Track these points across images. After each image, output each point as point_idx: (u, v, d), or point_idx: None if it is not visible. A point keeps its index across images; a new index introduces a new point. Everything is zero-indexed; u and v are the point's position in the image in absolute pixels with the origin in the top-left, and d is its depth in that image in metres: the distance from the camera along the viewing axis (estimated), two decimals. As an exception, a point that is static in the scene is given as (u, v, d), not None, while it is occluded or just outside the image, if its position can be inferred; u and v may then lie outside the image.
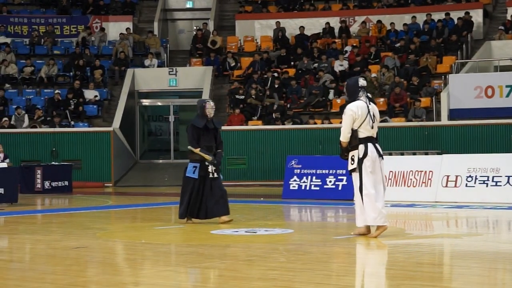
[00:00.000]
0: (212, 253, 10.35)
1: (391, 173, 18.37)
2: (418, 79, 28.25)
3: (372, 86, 27.88)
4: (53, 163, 26.10)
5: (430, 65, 29.30)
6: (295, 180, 19.82)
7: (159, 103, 33.33)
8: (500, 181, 17.12)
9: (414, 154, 23.08)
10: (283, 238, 11.70)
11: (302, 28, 33.04)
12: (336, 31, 33.17)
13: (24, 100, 30.41)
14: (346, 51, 31.37)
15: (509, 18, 31.52)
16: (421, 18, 32.36)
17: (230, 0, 36.94)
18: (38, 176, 24.23)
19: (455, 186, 17.60)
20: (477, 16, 32.00)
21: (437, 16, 32.25)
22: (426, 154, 23.05)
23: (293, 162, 20.03)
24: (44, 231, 13.15)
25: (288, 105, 28.59)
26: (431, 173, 17.98)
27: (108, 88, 31.42)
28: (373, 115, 11.11)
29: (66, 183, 24.81)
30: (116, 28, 34.68)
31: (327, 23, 33.32)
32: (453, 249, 10.58)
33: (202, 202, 13.20)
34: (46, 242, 11.51)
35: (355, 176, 11.04)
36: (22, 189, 22.59)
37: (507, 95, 25.57)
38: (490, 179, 17.24)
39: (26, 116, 28.70)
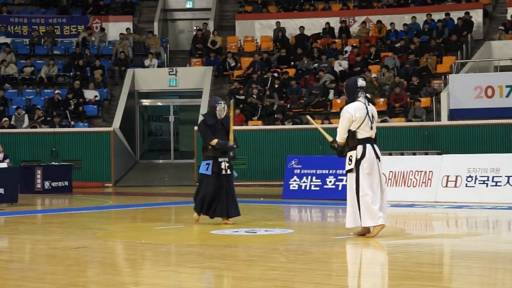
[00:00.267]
0: (212, 253, 10.35)
1: (391, 173, 18.38)
2: (418, 79, 28.26)
3: (372, 86, 27.89)
4: (53, 163, 26.10)
5: (430, 65, 29.31)
6: (295, 180, 19.83)
7: (159, 103, 33.34)
8: (500, 181, 17.12)
9: (414, 154, 23.09)
10: (283, 238, 11.70)
11: (302, 28, 33.05)
12: (336, 31, 33.17)
13: (24, 100, 30.41)
14: (346, 51, 31.38)
15: (509, 18, 31.52)
16: (421, 18, 32.36)
17: (230, 0, 36.94)
18: (38, 176, 24.24)
19: (455, 186, 17.61)
20: (477, 16, 32.01)
21: (437, 16, 32.25)
22: (426, 154, 23.06)
23: (293, 162, 20.04)
24: (44, 231, 13.15)
25: (288, 105, 28.60)
26: (431, 173, 17.99)
27: (108, 88, 31.42)
28: (372, 116, 11.07)
29: (66, 183, 24.81)
30: (116, 28, 34.68)
31: (327, 23, 33.32)
32: (453, 249, 10.58)
33: (220, 200, 13.05)
34: (46, 242, 11.51)
35: (351, 177, 11.02)
36: (22, 189, 22.59)
37: (507, 95, 25.57)
38: (490, 179, 17.25)
39: (26, 116, 28.70)
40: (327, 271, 8.66)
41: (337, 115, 26.59)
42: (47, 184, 24.31)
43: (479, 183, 17.35)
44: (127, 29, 34.11)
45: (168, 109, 32.85)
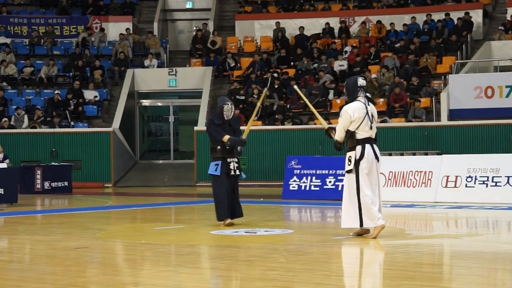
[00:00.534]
0: (212, 253, 10.35)
1: (391, 173, 18.38)
2: (418, 80, 28.26)
3: (372, 87, 27.88)
4: (53, 163, 26.11)
5: (430, 65, 29.31)
6: (295, 181, 19.83)
7: (159, 104, 33.34)
8: (500, 182, 17.12)
9: (414, 154, 23.09)
10: (283, 238, 11.69)
11: (302, 28, 33.05)
12: (336, 31, 33.18)
13: (24, 101, 30.41)
14: (346, 52, 31.38)
15: (509, 18, 31.53)
16: (421, 18, 32.36)
17: (230, 1, 36.95)
18: (38, 176, 24.23)
19: (455, 186, 17.61)
20: (477, 16, 32.01)
21: (437, 16, 32.26)
22: (426, 154, 23.07)
23: (293, 162, 20.04)
24: (44, 232, 13.15)
25: (288, 106, 28.60)
26: (431, 173, 17.99)
27: (108, 89, 31.42)
28: (372, 116, 11.05)
29: (66, 183, 24.81)
30: (116, 29, 34.69)
31: (327, 23, 33.33)
32: (452, 250, 10.58)
33: (233, 201, 13.01)
34: (46, 242, 11.51)
35: (350, 177, 11.01)
36: (22, 190, 22.57)
37: (507, 95, 25.57)
38: (490, 179, 17.24)
39: (26, 116, 28.71)
40: (326, 272, 8.66)
41: (337, 115, 26.61)
42: (46, 184, 24.31)
43: (479, 183, 17.35)
44: (127, 29, 34.12)
45: (168, 110, 32.85)
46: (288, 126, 27.15)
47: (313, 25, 33.79)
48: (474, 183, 17.40)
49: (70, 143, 27.80)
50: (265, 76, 29.93)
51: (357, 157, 10.91)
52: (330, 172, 19.29)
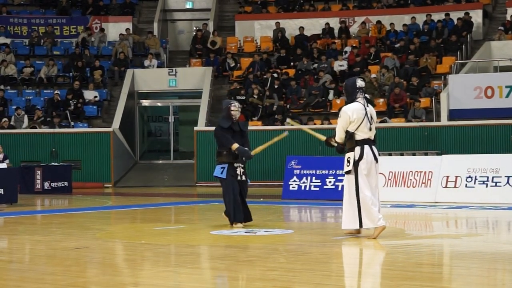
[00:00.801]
0: (212, 253, 10.35)
1: (390, 173, 18.38)
2: (417, 80, 28.26)
3: (371, 87, 27.90)
4: (52, 163, 26.11)
5: (429, 65, 29.31)
6: (294, 181, 19.83)
7: (159, 104, 33.34)
8: (500, 182, 17.12)
9: (414, 154, 23.09)
10: (282, 238, 11.69)
11: (301, 28, 33.06)
12: (336, 31, 33.18)
13: (23, 101, 30.42)
14: (346, 52, 31.39)
15: (508, 18, 31.53)
16: (420, 18, 32.37)
17: (230, 1, 36.95)
18: (38, 176, 24.24)
19: (455, 186, 17.61)
20: (476, 16, 32.01)
21: (437, 16, 32.26)
22: (426, 154, 23.07)
23: (293, 162, 20.04)
24: (43, 232, 13.15)
25: (288, 106, 28.60)
26: (430, 173, 17.99)
27: (107, 89, 31.43)
28: (371, 117, 11.05)
29: (66, 183, 24.82)
30: (115, 29, 34.69)
31: (327, 23, 33.33)
32: (452, 250, 10.58)
33: (243, 205, 12.87)
34: (45, 242, 11.51)
35: (349, 178, 11.01)
36: (21, 190, 22.58)
37: (507, 96, 25.58)
38: (490, 179, 17.25)
39: (25, 116, 28.72)
40: (326, 272, 8.66)
41: (336, 115, 26.62)
42: (46, 184, 24.31)
43: (479, 184, 17.35)
44: (127, 29, 34.12)
45: (168, 110, 32.85)
46: (287, 126, 27.12)
47: (313, 25, 33.79)
48: (474, 183, 17.40)
49: (70, 143, 27.81)
50: (265, 76, 29.94)
51: (356, 158, 10.92)
52: (330, 172, 19.29)
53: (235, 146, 12.65)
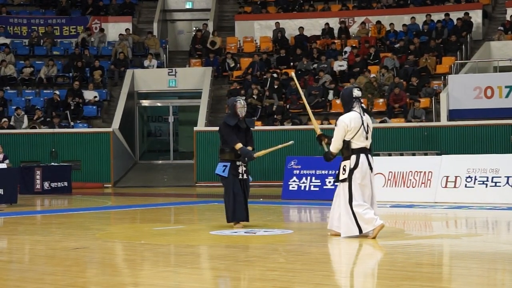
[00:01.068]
0: (211, 253, 10.35)
1: (390, 173, 18.38)
2: (417, 80, 28.26)
3: (371, 87, 27.90)
4: (52, 163, 26.11)
5: (429, 65, 29.32)
6: (294, 181, 19.83)
7: (159, 104, 33.34)
8: (500, 182, 17.13)
9: (414, 154, 23.09)
10: (282, 238, 11.69)
11: (301, 28, 33.06)
12: (336, 31, 33.19)
13: (23, 101, 30.42)
14: (346, 52, 31.39)
15: (508, 18, 31.54)
16: (420, 18, 32.37)
17: (230, 1, 36.95)
18: (38, 176, 24.23)
19: (455, 186, 17.61)
20: (476, 16, 32.02)
21: (437, 16, 32.26)
22: (426, 154, 23.07)
23: (293, 162, 20.04)
24: (43, 232, 13.14)
25: (288, 106, 28.60)
26: (430, 173, 17.99)
27: (107, 89, 31.43)
28: (367, 126, 11.09)
29: (66, 183, 24.81)
30: (115, 29, 34.69)
31: (327, 23, 33.33)
32: (452, 250, 10.58)
33: (246, 204, 12.79)
34: (45, 242, 11.51)
35: (343, 186, 11.04)
36: (21, 190, 22.59)
37: (507, 96, 25.58)
38: (490, 179, 17.25)
39: (25, 116, 28.72)
40: (326, 272, 8.67)
41: (336, 115, 26.63)
42: (46, 184, 24.31)
43: (479, 184, 17.35)
44: (127, 29, 34.12)
45: (168, 110, 32.86)
46: (287, 127, 27.15)
47: (313, 25, 33.80)
48: (474, 183, 17.41)
49: (70, 143, 27.81)
50: (264, 77, 29.95)
51: (351, 166, 10.96)
52: (330, 172, 19.28)
53: (239, 146, 12.58)
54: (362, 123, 11.02)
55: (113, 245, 11.46)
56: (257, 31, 34.36)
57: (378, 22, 32.85)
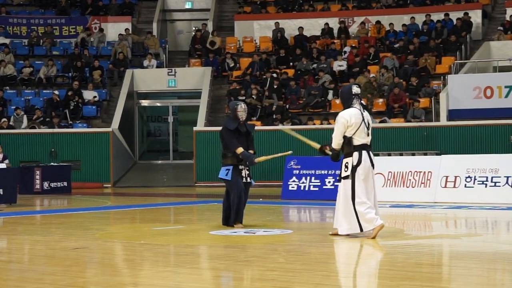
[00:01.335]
0: (211, 253, 10.35)
1: (390, 173, 18.38)
2: (417, 80, 28.27)
3: (371, 87, 27.90)
4: (52, 163, 26.10)
5: (429, 65, 29.32)
6: (294, 181, 19.83)
7: (158, 104, 33.34)
8: (499, 182, 17.13)
9: (413, 154, 23.09)
10: (282, 238, 11.69)
11: (301, 28, 33.06)
12: (335, 31, 33.19)
13: (23, 101, 30.42)
14: (345, 52, 31.39)
15: (508, 18, 31.54)
16: (420, 18, 32.38)
17: (229, 1, 36.95)
18: (37, 176, 24.23)
19: (454, 186, 17.61)
20: (476, 16, 32.02)
21: (436, 16, 32.27)
22: (425, 154, 23.07)
23: (292, 162, 20.04)
24: (43, 232, 13.14)
25: (287, 106, 28.60)
26: (430, 173, 17.99)
27: (107, 89, 31.42)
28: (367, 123, 11.08)
29: (65, 183, 24.81)
30: (115, 29, 34.69)
31: (326, 23, 33.33)
32: (452, 250, 10.58)
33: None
34: (45, 242, 11.50)
35: (345, 183, 11.02)
36: (21, 190, 22.59)
37: (506, 96, 25.58)
38: (489, 179, 17.25)
39: (25, 116, 28.72)
40: (326, 272, 8.67)
41: (336, 115, 26.61)
42: (46, 184, 24.31)
43: (478, 184, 17.35)
44: (126, 29, 34.11)
45: (167, 110, 32.86)
46: (287, 126, 27.13)
47: (312, 25, 33.80)
48: (473, 183, 17.41)
49: (69, 143, 27.81)
50: (264, 77, 29.95)
51: (354, 163, 10.94)
52: (329, 172, 19.28)
53: (240, 150, 12.61)
54: (363, 119, 11.01)
55: (112, 245, 11.46)
56: (256, 31, 34.36)
57: (378, 22, 32.85)
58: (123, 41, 33.30)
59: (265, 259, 9.46)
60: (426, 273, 8.52)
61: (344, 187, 11.06)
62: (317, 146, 11.77)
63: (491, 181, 17.21)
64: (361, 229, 10.98)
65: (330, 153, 11.41)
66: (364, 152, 10.99)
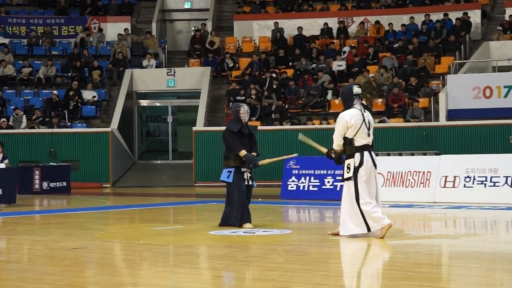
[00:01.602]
0: (210, 253, 10.35)
1: (389, 173, 18.38)
2: (416, 80, 28.27)
3: (370, 87, 27.90)
4: (51, 163, 26.09)
5: (428, 65, 29.32)
6: (293, 181, 19.83)
7: (157, 104, 33.34)
8: (498, 182, 17.13)
9: (413, 154, 23.10)
10: (281, 238, 11.69)
11: (300, 28, 33.06)
12: (334, 31, 33.19)
13: (22, 101, 30.41)
14: (344, 52, 31.40)
15: (507, 18, 31.54)
16: (419, 18, 32.38)
17: (229, 1, 36.96)
18: (36, 176, 24.22)
19: (453, 186, 17.61)
20: (475, 16, 32.03)
21: (435, 16, 32.27)
22: (424, 154, 23.07)
23: (292, 162, 20.03)
24: (42, 232, 13.14)
25: (286, 106, 28.60)
26: (429, 173, 17.99)
27: (106, 89, 31.42)
28: (368, 123, 11.06)
29: (64, 183, 24.80)
30: (114, 29, 34.68)
31: (325, 23, 33.34)
32: (451, 250, 10.58)
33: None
34: (44, 242, 11.50)
35: (349, 185, 11.01)
36: (20, 190, 22.58)
37: (505, 96, 25.59)
38: (488, 179, 17.25)
39: (24, 116, 28.72)
40: (325, 272, 8.66)
41: (335, 115, 26.63)
42: (45, 184, 24.30)
43: (478, 184, 17.36)
44: (125, 29, 34.11)
45: (166, 110, 32.86)
46: (286, 126, 27.14)
47: (312, 25, 33.80)
48: (473, 183, 17.41)
49: (69, 143, 27.80)
50: (263, 76, 29.95)
51: (356, 165, 10.92)
52: (329, 172, 19.28)
53: (243, 153, 12.60)
54: (364, 120, 10.99)
55: (112, 245, 11.45)
56: (256, 31, 34.36)
57: (377, 22, 32.86)
58: (122, 41, 33.30)
59: (265, 259, 9.46)
60: (425, 273, 8.51)
61: (347, 188, 11.06)
62: (324, 150, 11.76)
63: (490, 181, 17.22)
64: (369, 229, 10.95)
65: (333, 146, 11.38)
66: (366, 153, 10.98)
